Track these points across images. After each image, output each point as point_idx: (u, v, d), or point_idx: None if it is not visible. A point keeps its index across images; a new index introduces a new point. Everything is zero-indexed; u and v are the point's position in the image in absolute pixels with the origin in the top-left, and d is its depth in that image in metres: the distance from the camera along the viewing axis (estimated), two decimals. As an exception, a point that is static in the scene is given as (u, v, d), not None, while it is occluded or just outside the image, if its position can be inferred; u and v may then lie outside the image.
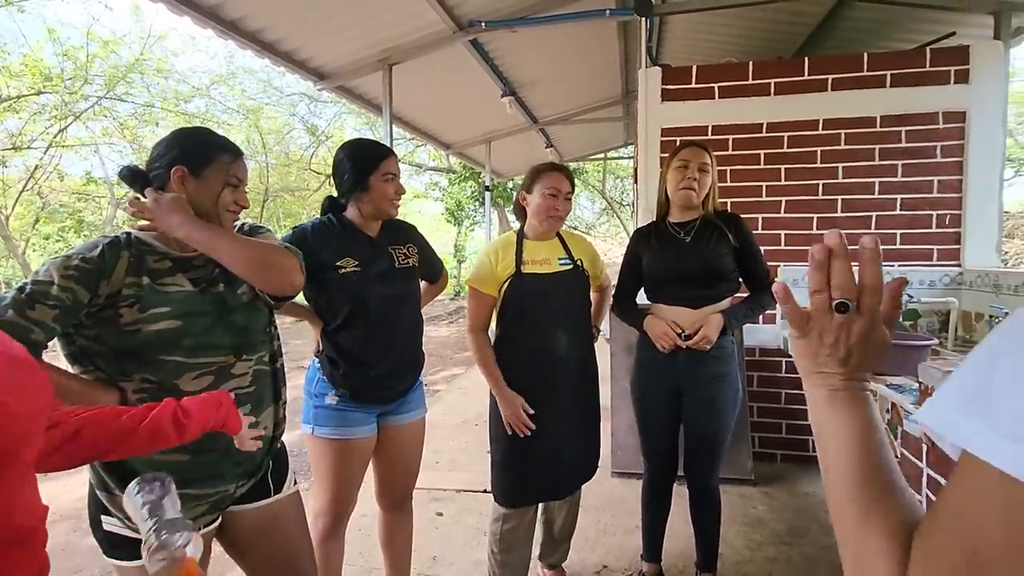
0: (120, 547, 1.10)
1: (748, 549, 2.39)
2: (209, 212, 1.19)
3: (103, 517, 1.11)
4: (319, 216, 1.73)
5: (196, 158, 1.17)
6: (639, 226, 2.17)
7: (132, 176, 1.18)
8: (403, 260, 1.72)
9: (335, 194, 1.74)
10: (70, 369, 1.10)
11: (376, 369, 1.64)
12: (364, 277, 1.61)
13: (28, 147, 10.04)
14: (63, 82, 9.72)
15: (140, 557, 1.07)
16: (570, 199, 1.85)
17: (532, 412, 1.79)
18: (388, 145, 1.74)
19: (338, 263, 1.59)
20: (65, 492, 3.41)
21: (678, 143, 1.97)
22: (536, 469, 1.81)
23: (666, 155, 3.16)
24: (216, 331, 1.16)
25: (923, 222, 3.01)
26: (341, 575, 1.78)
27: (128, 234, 1.16)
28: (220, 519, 1.23)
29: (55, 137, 10.14)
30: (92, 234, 11.95)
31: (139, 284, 1.10)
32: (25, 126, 9.97)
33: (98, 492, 1.11)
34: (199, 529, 1.17)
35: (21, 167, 10.30)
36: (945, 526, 0.36)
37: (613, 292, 2.08)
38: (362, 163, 1.64)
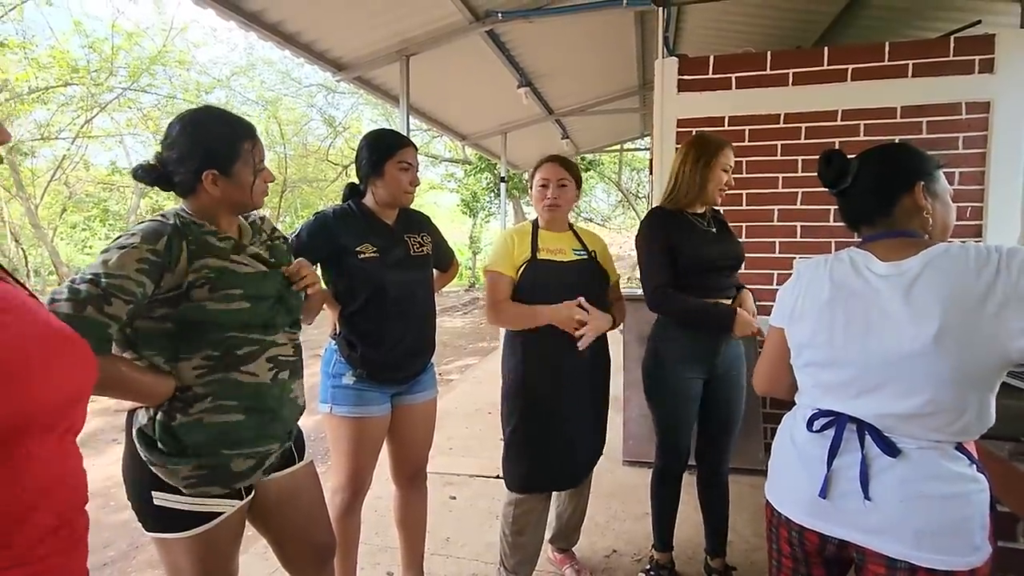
0: (171, 520, 1.14)
1: (757, 537, 2.41)
2: (246, 203, 1.22)
3: (155, 493, 1.13)
4: (340, 202, 1.79)
5: (223, 158, 1.17)
6: (660, 206, 1.97)
7: (151, 177, 1.17)
8: (418, 248, 1.78)
9: (356, 182, 1.80)
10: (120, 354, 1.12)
11: (392, 351, 1.70)
12: (382, 263, 1.66)
13: (56, 137, 10.29)
14: (89, 74, 9.93)
15: (188, 529, 1.14)
16: (566, 185, 1.87)
17: (544, 404, 1.82)
18: (407, 136, 1.78)
19: (357, 248, 1.64)
20: (92, 470, 3.55)
21: (694, 134, 1.97)
22: (549, 456, 1.84)
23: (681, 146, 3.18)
24: (277, 310, 1.22)
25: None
26: (357, 550, 1.85)
27: (179, 217, 1.14)
28: (253, 491, 1.28)
29: (82, 128, 10.38)
30: (116, 223, 12.22)
31: (208, 267, 1.12)
32: (53, 117, 10.22)
33: (153, 468, 1.12)
34: (242, 497, 1.22)
35: (49, 157, 10.58)
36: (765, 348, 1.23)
37: (650, 283, 1.85)
38: (379, 150, 1.69)
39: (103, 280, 0.99)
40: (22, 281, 0.74)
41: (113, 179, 12.34)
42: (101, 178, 12.25)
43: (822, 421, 1.05)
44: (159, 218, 1.13)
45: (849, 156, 1.14)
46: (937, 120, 2.92)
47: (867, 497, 0.97)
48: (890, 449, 0.97)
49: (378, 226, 1.72)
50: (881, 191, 1.09)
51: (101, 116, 10.82)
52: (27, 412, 0.63)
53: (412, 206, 1.84)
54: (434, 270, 1.94)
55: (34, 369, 0.64)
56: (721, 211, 2.07)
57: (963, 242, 0.95)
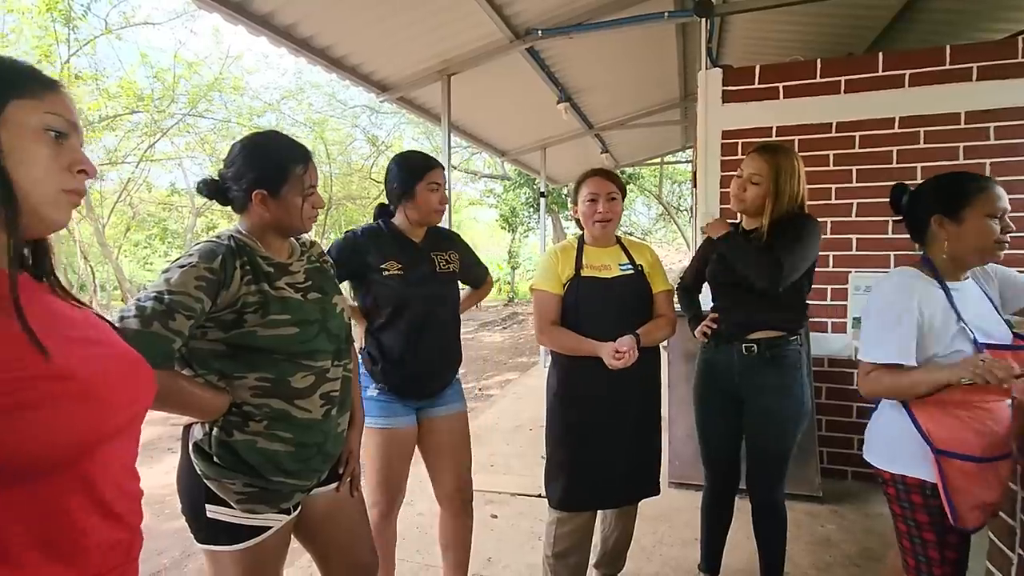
0: (222, 533, 1.17)
1: (816, 569, 2.27)
2: (294, 226, 1.25)
3: (208, 506, 1.17)
4: (371, 221, 1.84)
5: (273, 179, 1.21)
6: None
7: (210, 191, 1.25)
8: (444, 266, 1.81)
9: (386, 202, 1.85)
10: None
11: (414, 368, 1.72)
12: (406, 280, 1.70)
13: (122, 162, 10.98)
14: (153, 101, 10.57)
15: (238, 542, 1.16)
16: (615, 198, 1.84)
17: (584, 421, 1.79)
18: (436, 158, 1.83)
19: (383, 266, 1.69)
20: (148, 478, 3.68)
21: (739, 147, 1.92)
22: (589, 474, 1.80)
23: (727, 158, 3.10)
24: (321, 337, 1.23)
25: (1016, 225, 2.76)
26: (394, 560, 1.88)
27: (233, 239, 1.19)
28: (300, 506, 1.30)
29: (145, 152, 11.04)
30: (175, 242, 12.88)
31: (261, 291, 1.15)
32: (120, 143, 10.91)
33: (207, 482, 1.16)
34: (289, 512, 1.25)
35: (116, 180, 11.29)
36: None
37: None
38: (409, 172, 1.74)
39: (166, 297, 1.03)
40: (88, 304, 0.78)
41: (172, 200, 13.05)
42: (162, 199, 12.98)
43: None
44: (214, 239, 1.18)
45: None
46: (1006, 125, 2.75)
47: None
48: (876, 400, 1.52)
49: (405, 244, 1.76)
50: (914, 221, 1.44)
51: (162, 141, 11.48)
52: (107, 430, 0.67)
53: (452, 219, 1.87)
54: (467, 287, 1.97)
55: (114, 391, 0.69)
56: (785, 219, 1.80)
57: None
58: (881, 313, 1.39)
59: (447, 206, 1.87)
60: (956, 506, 1.31)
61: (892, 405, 1.43)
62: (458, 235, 1.98)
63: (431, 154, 1.87)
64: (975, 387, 1.29)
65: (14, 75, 0.65)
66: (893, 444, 1.42)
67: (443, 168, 1.82)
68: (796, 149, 3.00)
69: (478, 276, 2.02)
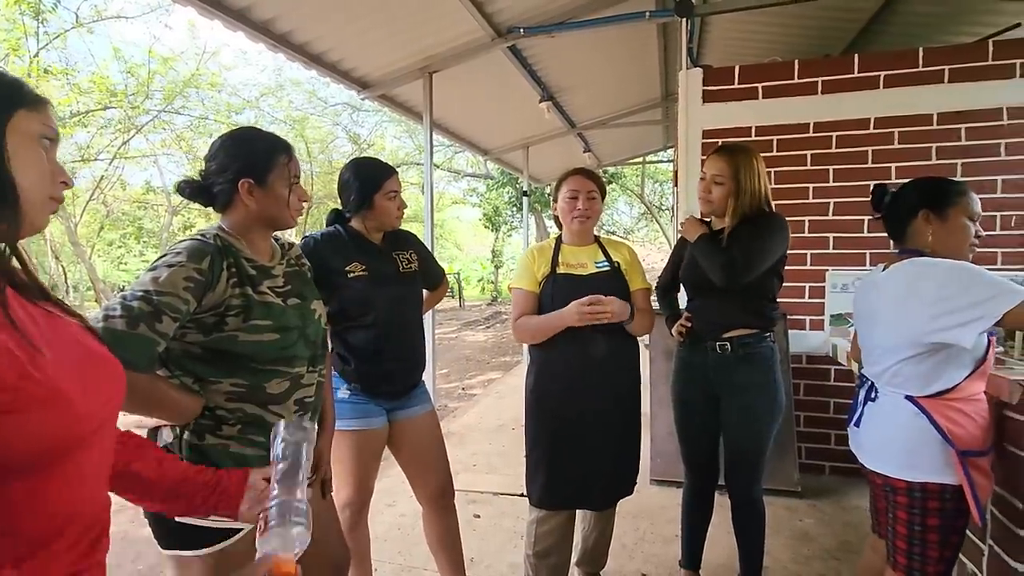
0: (191, 537, 1.13)
1: (795, 563, 2.30)
2: (282, 217, 1.23)
3: None
4: (325, 228, 1.83)
5: (258, 167, 1.19)
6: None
7: (193, 191, 1.21)
8: (406, 265, 1.82)
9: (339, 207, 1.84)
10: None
11: (384, 365, 1.72)
12: (372, 281, 1.70)
13: (95, 159, 10.69)
14: (127, 97, 10.31)
15: (208, 545, 1.11)
16: (595, 197, 1.84)
17: (560, 418, 1.79)
18: (389, 165, 1.83)
19: (347, 268, 1.68)
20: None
21: (720, 144, 1.93)
22: (568, 471, 1.80)
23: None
24: (299, 344, 1.21)
25: (985, 224, 2.82)
26: (371, 559, 1.88)
27: (219, 238, 1.16)
28: None
29: (119, 149, 10.76)
30: (150, 241, 12.60)
31: (245, 295, 1.13)
32: (92, 139, 10.62)
33: None
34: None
35: (88, 178, 10.97)
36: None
37: None
38: (366, 183, 1.73)
39: (154, 297, 1.00)
40: (59, 299, 0.76)
41: (148, 198, 12.75)
42: (136, 197, 12.68)
43: (861, 380, 1.57)
44: (200, 237, 1.14)
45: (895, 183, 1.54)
46: (977, 126, 2.82)
47: (856, 425, 1.53)
48: (873, 396, 1.48)
49: (366, 246, 1.76)
50: (897, 217, 1.48)
51: (137, 137, 11.20)
52: (75, 434, 0.66)
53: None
54: (424, 289, 1.97)
55: (77, 393, 0.67)
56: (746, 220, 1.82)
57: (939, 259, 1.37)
58: (964, 272, 1.28)
59: (409, 207, 1.84)
60: (981, 504, 1.31)
61: (907, 410, 1.37)
62: (414, 235, 1.99)
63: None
64: (981, 376, 1.35)
65: (19, 87, 0.69)
66: (913, 451, 1.36)
67: (398, 174, 1.83)
68: (774, 149, 3.07)
69: (435, 277, 2.02)
